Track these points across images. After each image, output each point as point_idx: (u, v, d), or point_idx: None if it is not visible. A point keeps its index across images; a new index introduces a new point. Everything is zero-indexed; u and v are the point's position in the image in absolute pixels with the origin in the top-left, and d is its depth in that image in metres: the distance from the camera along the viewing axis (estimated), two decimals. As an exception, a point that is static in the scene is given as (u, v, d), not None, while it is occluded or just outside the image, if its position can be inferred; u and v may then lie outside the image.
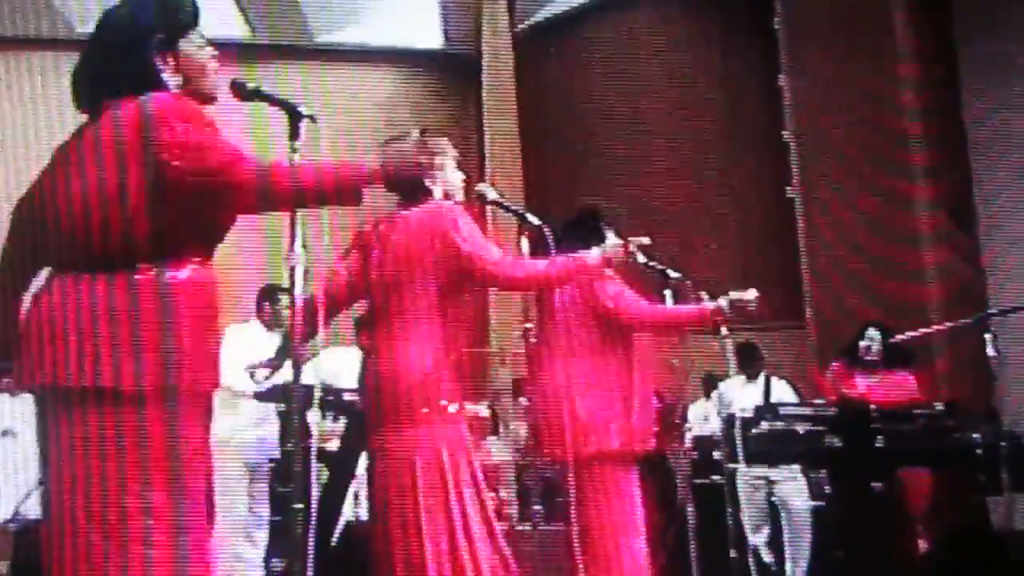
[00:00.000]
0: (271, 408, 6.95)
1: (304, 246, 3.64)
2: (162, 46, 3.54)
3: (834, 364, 8.76)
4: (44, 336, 3.34)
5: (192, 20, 3.62)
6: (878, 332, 8.50)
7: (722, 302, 6.00)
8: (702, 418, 9.38)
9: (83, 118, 3.54)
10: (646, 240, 5.68)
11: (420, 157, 3.85)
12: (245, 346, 7.02)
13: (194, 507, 3.37)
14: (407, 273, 4.78)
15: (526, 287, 5.51)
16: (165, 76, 3.53)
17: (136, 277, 3.34)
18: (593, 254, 5.26)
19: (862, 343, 8.48)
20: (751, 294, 6.03)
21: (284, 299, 7.28)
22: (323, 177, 3.49)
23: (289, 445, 5.46)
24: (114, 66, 3.55)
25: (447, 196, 5.00)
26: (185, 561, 3.33)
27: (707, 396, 9.71)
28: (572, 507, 5.38)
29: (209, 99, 3.61)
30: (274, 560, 7.18)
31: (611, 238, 5.93)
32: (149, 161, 3.34)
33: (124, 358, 3.29)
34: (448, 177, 5.02)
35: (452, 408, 4.74)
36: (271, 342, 7.39)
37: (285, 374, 4.86)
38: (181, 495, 3.33)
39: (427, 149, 3.86)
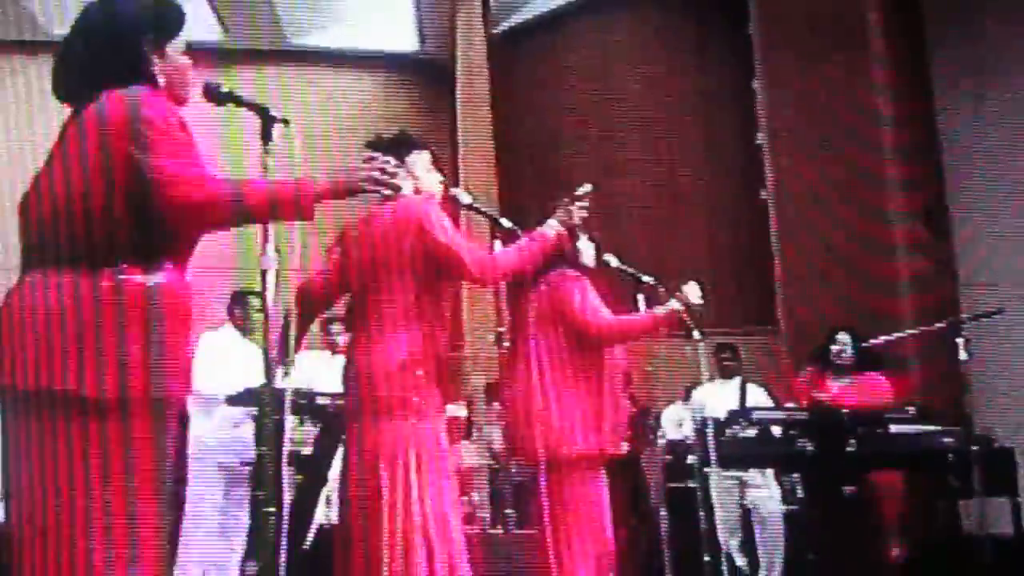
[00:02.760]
0: (245, 411, 6.94)
1: (277, 250, 3.63)
2: (152, 44, 3.54)
3: (806, 368, 8.79)
4: (11, 336, 3.33)
5: (180, 25, 3.62)
6: (849, 336, 8.52)
7: (674, 304, 6.00)
8: (677, 423, 9.39)
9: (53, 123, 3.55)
10: (587, 187, 5.68)
11: (371, 171, 3.78)
12: (219, 352, 7.02)
13: (153, 514, 3.37)
14: (384, 268, 4.78)
15: (499, 280, 5.45)
16: (156, 72, 3.53)
17: (104, 282, 3.32)
18: (550, 224, 5.23)
19: (833, 347, 8.50)
20: (693, 290, 6.02)
21: (255, 302, 7.32)
22: (279, 195, 3.47)
23: (263, 449, 5.47)
24: (105, 57, 3.54)
25: (418, 194, 5.02)
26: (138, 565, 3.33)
27: (685, 401, 9.73)
28: (544, 511, 5.39)
29: (182, 101, 3.62)
30: (248, 563, 7.17)
31: (583, 243, 5.95)
32: (134, 167, 3.33)
33: (89, 363, 3.28)
34: (420, 175, 5.04)
35: (424, 406, 4.75)
36: (244, 348, 7.41)
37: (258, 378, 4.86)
38: (139, 501, 3.32)
39: (377, 164, 3.80)
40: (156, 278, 3.38)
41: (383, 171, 3.66)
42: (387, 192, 3.77)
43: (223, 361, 7.07)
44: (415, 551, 4.60)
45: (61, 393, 3.26)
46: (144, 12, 3.61)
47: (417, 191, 5.01)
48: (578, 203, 5.60)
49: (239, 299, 7.56)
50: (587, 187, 5.56)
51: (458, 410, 8.36)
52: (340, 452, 6.92)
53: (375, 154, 3.81)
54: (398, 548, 4.59)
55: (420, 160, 5.06)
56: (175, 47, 3.59)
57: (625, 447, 5.97)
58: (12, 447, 3.33)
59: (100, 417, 3.28)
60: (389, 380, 4.71)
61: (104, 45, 3.55)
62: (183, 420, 3.64)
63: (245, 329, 7.55)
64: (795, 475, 8.90)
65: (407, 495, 4.64)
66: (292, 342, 4.42)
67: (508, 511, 5.71)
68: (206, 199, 3.36)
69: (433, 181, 5.08)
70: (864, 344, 8.42)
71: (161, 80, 3.54)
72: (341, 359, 5.11)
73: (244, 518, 7.12)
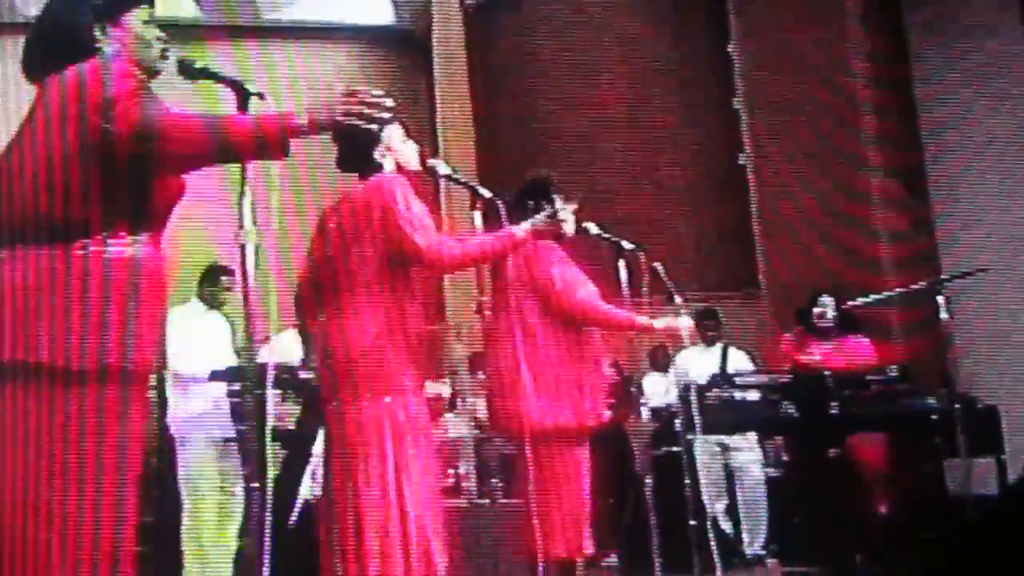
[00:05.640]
0: (224, 388, 6.93)
1: (255, 224, 3.61)
2: (102, 16, 3.60)
3: (790, 332, 8.80)
4: None
5: None
6: (831, 298, 8.54)
7: (657, 324, 6.01)
8: (663, 391, 9.38)
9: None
10: (574, 205, 5.75)
11: (350, 107, 3.73)
12: (187, 327, 7.00)
13: (124, 488, 3.38)
14: (353, 247, 4.77)
15: (453, 269, 5.38)
16: (102, 45, 3.57)
17: (76, 252, 3.34)
18: (522, 226, 5.25)
19: (816, 310, 8.52)
20: (685, 323, 6.04)
21: (225, 280, 7.31)
22: (263, 127, 3.46)
23: (243, 426, 5.46)
24: (54, 35, 3.63)
25: (400, 168, 5.00)
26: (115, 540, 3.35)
27: (660, 369, 9.74)
28: (529, 483, 5.39)
29: (149, 72, 3.64)
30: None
31: (560, 205, 5.94)
32: (85, 127, 3.36)
33: (60, 335, 3.29)
34: (397, 147, 5.02)
35: (398, 383, 4.75)
36: (212, 322, 7.41)
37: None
38: (112, 477, 3.34)
39: (356, 100, 3.73)
40: (134, 250, 3.39)
41: (366, 104, 3.62)
42: (368, 125, 3.70)
43: (191, 336, 7.08)
44: (390, 533, 4.61)
45: (35, 365, 3.28)
46: None
47: (399, 165, 5.00)
48: (563, 213, 5.69)
49: (211, 274, 7.51)
50: (573, 206, 5.65)
51: (441, 388, 8.35)
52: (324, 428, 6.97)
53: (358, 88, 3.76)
54: (371, 530, 4.61)
55: (394, 133, 5.04)
56: (135, 17, 3.65)
57: (607, 415, 5.98)
58: None
59: (77, 388, 3.30)
60: (364, 357, 4.71)
61: (54, 25, 3.65)
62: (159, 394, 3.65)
63: (213, 304, 7.53)
64: (778, 439, 8.93)
65: (383, 475, 4.65)
66: None
67: (494, 481, 5.71)
68: (182, 136, 3.40)
69: (411, 151, 5.06)
70: (846, 306, 8.44)
71: (113, 49, 3.58)
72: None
73: (239, 491, 7.11)
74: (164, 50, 3.68)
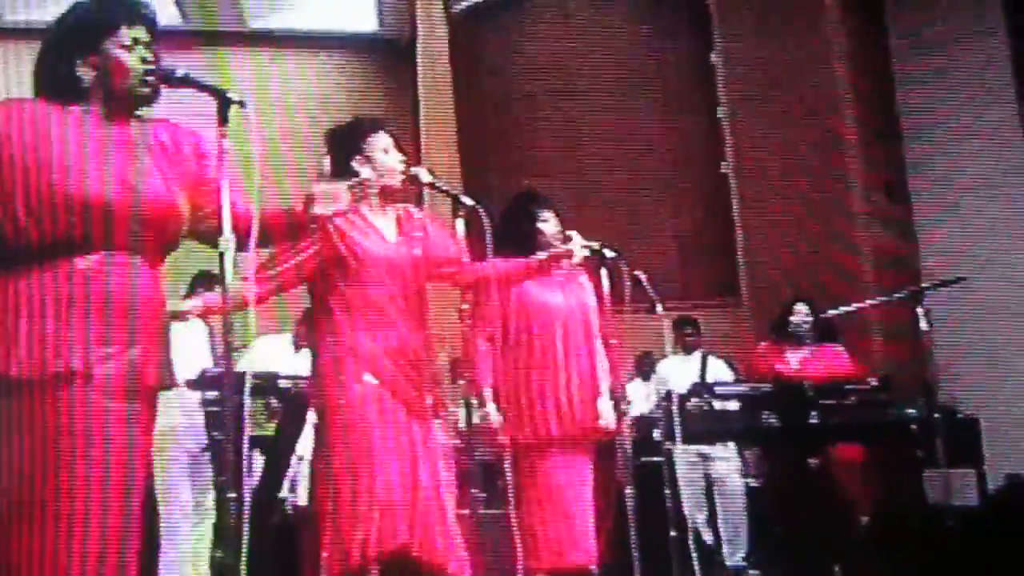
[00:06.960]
0: (198, 396, 6.89)
1: (234, 231, 3.62)
2: (82, 45, 3.58)
3: (764, 341, 8.81)
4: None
5: (115, 18, 3.64)
6: (806, 306, 8.55)
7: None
8: (643, 399, 9.38)
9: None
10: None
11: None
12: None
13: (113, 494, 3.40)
14: None
15: None
16: (80, 73, 3.57)
17: (50, 265, 3.41)
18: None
19: (792, 318, 8.53)
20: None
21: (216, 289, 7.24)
22: None
23: (216, 434, 5.43)
24: (40, 71, 3.64)
25: (379, 178, 5.00)
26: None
27: (642, 376, 9.74)
28: (510, 493, 5.39)
29: (131, 103, 3.65)
30: (214, 551, 7.13)
31: (546, 218, 5.94)
32: None
33: (36, 344, 3.38)
34: (377, 157, 5.01)
35: (362, 389, 4.77)
36: (198, 331, 7.37)
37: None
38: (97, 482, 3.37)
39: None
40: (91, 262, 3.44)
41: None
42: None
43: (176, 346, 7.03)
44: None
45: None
46: (64, 26, 3.68)
47: (377, 175, 5.00)
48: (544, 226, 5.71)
49: (201, 282, 7.45)
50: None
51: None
52: (304, 434, 6.95)
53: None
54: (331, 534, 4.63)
55: (377, 142, 5.03)
56: (115, 41, 3.61)
57: (598, 427, 5.97)
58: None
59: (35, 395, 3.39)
60: (321, 366, 4.85)
61: (39, 61, 3.65)
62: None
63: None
64: (758, 448, 8.94)
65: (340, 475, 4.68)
66: None
67: (474, 491, 5.68)
68: None
69: (392, 162, 5.05)
70: (822, 315, 8.45)
71: (89, 77, 3.58)
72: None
73: (211, 503, 7.08)
74: (147, 74, 3.63)
